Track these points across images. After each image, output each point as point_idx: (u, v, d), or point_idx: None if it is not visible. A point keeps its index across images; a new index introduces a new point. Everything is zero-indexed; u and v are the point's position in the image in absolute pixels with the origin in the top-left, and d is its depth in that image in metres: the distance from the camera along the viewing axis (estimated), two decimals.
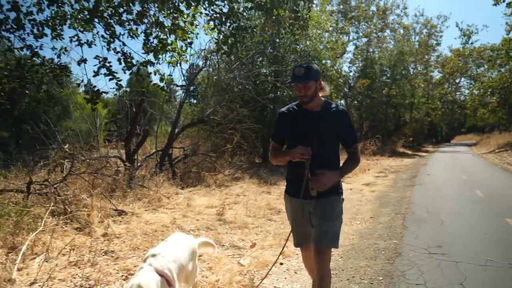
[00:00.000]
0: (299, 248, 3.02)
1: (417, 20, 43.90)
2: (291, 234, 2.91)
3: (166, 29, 5.85)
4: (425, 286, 3.62)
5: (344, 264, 4.37)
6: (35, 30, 5.62)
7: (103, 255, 4.35)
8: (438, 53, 47.22)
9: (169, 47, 6.10)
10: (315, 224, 2.69)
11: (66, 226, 5.04)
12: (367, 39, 34.24)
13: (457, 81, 52.25)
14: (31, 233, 4.33)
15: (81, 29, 5.97)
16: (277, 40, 13.54)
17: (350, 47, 34.97)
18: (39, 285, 3.46)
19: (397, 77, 30.99)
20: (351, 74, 32.71)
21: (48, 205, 5.06)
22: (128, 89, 14.57)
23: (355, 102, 32.38)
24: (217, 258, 4.38)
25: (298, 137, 2.71)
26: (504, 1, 21.45)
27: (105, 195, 5.91)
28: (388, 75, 31.50)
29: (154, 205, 6.65)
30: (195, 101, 17.43)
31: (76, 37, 5.86)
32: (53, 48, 6.08)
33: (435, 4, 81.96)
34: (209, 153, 10.38)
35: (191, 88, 13.45)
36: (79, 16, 5.82)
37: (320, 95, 2.76)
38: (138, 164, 8.29)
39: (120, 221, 5.68)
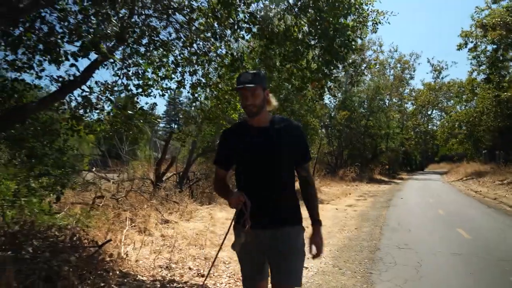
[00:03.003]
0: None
1: (391, 55, 47.27)
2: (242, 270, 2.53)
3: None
4: (396, 264, 5.51)
5: (339, 255, 6.22)
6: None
7: (169, 248, 6.08)
8: (411, 86, 50.75)
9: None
10: (274, 261, 2.35)
11: (132, 229, 6.75)
12: (345, 73, 37.04)
13: (429, 112, 55.95)
14: (120, 230, 6.04)
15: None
16: None
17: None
18: (142, 262, 5.18)
19: (373, 109, 33.69)
20: (332, 105, 35.26)
21: (117, 211, 6.77)
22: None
23: (336, 132, 34.78)
24: None
25: (248, 159, 2.35)
26: (466, 47, 24.39)
27: (157, 207, 7.65)
28: (366, 107, 34.21)
29: (187, 217, 8.39)
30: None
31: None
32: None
33: (408, 40, 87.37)
34: None
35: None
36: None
37: (268, 110, 2.43)
38: (162, 184, 10.04)
39: (167, 227, 7.40)
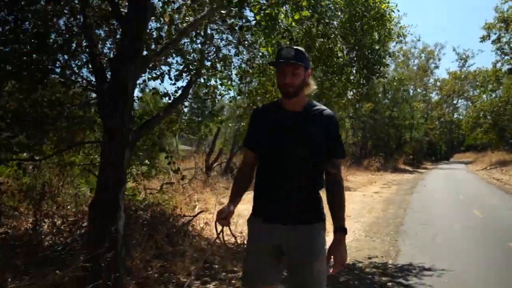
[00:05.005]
0: None
1: (414, 45, 47.21)
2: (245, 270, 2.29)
3: None
4: (416, 234, 6.79)
5: (369, 229, 7.52)
6: None
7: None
8: (436, 76, 50.70)
9: None
10: (290, 263, 2.08)
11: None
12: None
13: (454, 102, 55.86)
14: (192, 209, 7.51)
15: None
16: None
17: None
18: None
19: (398, 100, 34.41)
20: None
21: (186, 195, 8.26)
22: None
23: (360, 123, 35.69)
24: None
25: (270, 144, 2.11)
26: (489, 39, 24.93)
27: (217, 191, 9.12)
28: (390, 98, 34.94)
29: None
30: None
31: None
32: None
33: (430, 30, 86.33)
34: None
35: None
36: None
37: (305, 93, 2.17)
38: (211, 173, 11.53)
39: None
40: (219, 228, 2.13)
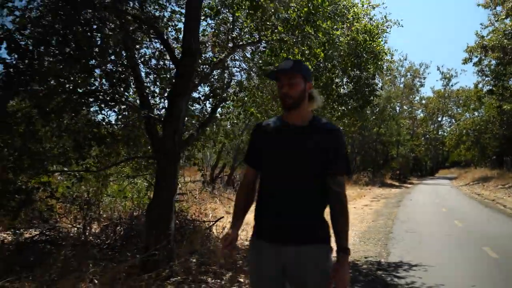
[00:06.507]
0: None
1: (401, 64, 49.04)
2: None
3: None
4: (403, 240, 7.78)
5: (363, 235, 8.48)
6: None
7: None
8: (422, 94, 52.49)
9: None
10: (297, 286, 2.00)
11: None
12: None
13: (439, 119, 57.75)
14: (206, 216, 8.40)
15: None
16: None
17: None
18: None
19: (385, 118, 35.83)
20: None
21: (197, 205, 9.15)
22: None
23: (348, 139, 36.94)
24: None
25: (271, 161, 2.03)
26: (471, 61, 26.47)
27: (222, 202, 10.01)
28: (377, 115, 36.35)
29: None
30: None
31: None
32: None
33: (416, 49, 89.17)
34: None
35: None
36: None
37: (309, 109, 2.08)
38: (215, 184, 12.43)
39: (229, 217, 9.74)
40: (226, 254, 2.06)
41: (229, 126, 10.43)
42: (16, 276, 3.99)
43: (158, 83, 5.33)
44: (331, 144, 2.00)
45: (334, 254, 2.01)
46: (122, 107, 5.01)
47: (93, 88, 4.61)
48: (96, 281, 3.91)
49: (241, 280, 4.69)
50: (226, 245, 2.00)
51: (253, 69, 7.30)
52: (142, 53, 5.29)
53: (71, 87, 4.44)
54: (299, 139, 2.00)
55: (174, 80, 4.55)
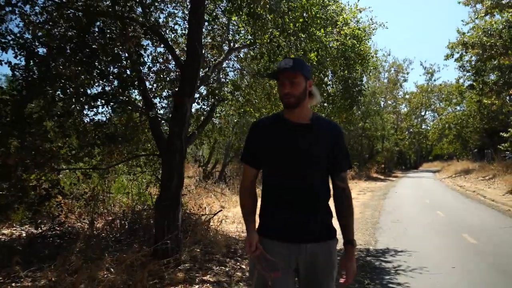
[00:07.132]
0: None
1: (385, 59, 49.95)
2: None
3: None
4: (390, 229, 8.29)
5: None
6: None
7: (231, 222, 8.78)
8: (405, 89, 53.47)
9: None
10: (310, 281, 2.03)
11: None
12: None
13: (422, 113, 58.91)
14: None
15: None
16: None
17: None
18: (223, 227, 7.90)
19: (370, 113, 36.57)
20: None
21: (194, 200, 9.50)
22: None
23: None
24: None
25: (280, 159, 2.01)
26: (452, 57, 27.25)
27: (217, 197, 10.37)
28: (363, 110, 37.09)
29: (233, 204, 11.12)
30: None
31: None
32: None
33: (400, 44, 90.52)
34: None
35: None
36: None
37: (309, 105, 2.09)
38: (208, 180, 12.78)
39: (227, 211, 10.11)
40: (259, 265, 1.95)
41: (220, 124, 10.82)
42: (37, 266, 4.33)
43: (161, 85, 5.67)
44: (335, 140, 2.08)
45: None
46: (129, 108, 5.35)
47: (103, 90, 4.93)
48: (112, 270, 4.27)
49: (243, 266, 5.10)
50: (253, 251, 1.94)
51: (245, 70, 7.69)
52: (147, 57, 5.64)
53: (81, 90, 4.77)
54: (307, 136, 2.03)
55: (180, 82, 4.89)
